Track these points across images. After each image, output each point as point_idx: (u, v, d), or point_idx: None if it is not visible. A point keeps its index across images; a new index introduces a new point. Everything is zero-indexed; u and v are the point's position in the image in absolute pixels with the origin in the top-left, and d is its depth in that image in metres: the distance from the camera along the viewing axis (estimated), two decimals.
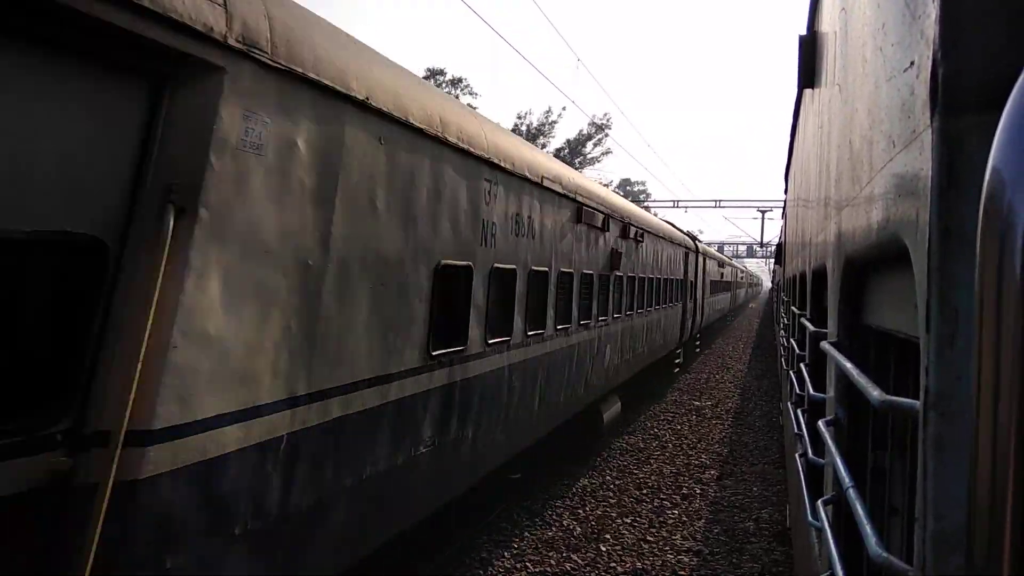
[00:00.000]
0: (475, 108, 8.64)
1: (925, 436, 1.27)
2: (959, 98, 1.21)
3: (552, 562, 8.27)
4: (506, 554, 8.40)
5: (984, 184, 0.86)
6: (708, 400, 19.65)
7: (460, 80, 57.81)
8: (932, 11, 1.27)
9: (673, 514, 10.25)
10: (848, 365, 2.19)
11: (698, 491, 11.39)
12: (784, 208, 17.57)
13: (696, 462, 13.13)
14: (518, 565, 8.14)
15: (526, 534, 9.07)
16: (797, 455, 4.50)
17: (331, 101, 4.28)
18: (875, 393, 1.70)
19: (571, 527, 9.46)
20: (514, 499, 9.84)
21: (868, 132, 2.10)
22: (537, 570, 8.04)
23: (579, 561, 8.35)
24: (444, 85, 53.02)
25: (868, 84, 2.12)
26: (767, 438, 15.16)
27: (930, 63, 1.27)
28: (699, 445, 14.45)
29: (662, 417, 17.09)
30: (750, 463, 13.26)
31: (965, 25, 1.21)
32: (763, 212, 68.94)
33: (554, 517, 9.80)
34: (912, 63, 1.45)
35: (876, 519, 1.87)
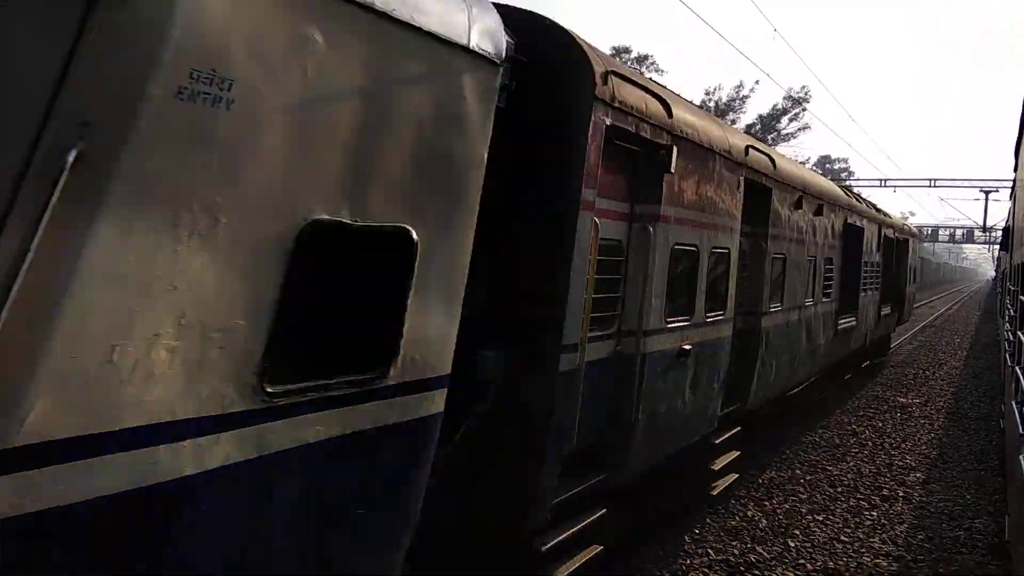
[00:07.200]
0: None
1: None
2: None
3: (735, 552, 8.08)
4: (686, 538, 8.32)
5: None
6: (916, 397, 18.05)
7: (646, 57, 56.82)
8: None
9: (871, 515, 9.60)
10: None
11: (901, 494, 10.56)
12: (1013, 187, 15.60)
13: (900, 463, 12.16)
14: (699, 550, 8.05)
15: (708, 520, 8.93)
16: (1022, 458, 4.09)
17: None
18: None
19: (756, 518, 9.17)
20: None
21: None
22: (719, 558, 7.90)
23: (764, 554, 8.09)
24: (631, 63, 52.32)
25: None
26: (984, 442, 13.69)
27: None
28: (903, 445, 13.36)
29: (861, 413, 15.96)
30: (963, 468, 12.06)
31: None
32: (987, 192, 61.27)
33: (737, 507, 9.54)
34: None
35: None
